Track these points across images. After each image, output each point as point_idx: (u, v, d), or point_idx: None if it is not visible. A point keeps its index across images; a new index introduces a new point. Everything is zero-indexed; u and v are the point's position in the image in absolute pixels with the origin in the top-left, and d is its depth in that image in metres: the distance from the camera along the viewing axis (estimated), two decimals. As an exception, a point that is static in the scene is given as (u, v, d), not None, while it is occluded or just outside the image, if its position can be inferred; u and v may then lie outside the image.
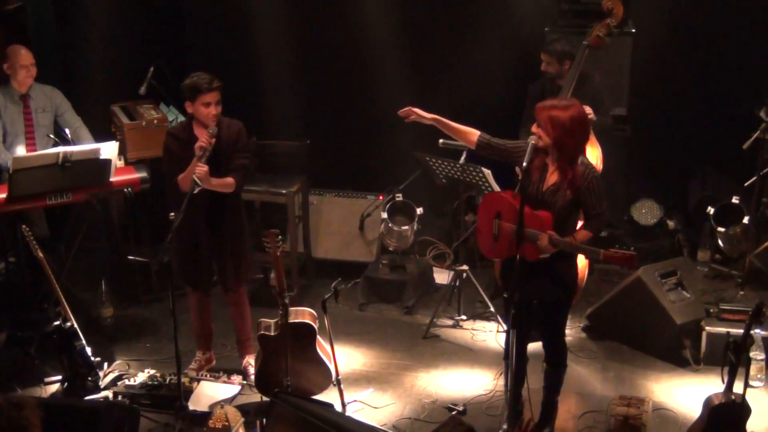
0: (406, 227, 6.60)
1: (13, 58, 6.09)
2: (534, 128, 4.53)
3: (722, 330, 5.54)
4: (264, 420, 4.75)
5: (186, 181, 5.08)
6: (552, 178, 4.55)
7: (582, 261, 5.84)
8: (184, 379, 5.26)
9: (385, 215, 6.63)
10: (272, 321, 5.13)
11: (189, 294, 5.59)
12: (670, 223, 7.10)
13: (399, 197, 6.70)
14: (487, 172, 5.93)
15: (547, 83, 6.34)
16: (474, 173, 5.96)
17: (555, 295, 4.66)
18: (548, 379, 4.94)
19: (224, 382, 5.45)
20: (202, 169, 5.04)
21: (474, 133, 4.73)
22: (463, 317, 6.26)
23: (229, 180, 5.23)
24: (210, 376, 5.49)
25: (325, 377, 5.19)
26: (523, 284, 4.49)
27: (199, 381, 5.42)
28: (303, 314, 5.17)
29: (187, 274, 5.45)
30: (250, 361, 5.54)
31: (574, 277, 4.72)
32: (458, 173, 6.06)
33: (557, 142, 4.46)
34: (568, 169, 4.49)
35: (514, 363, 4.63)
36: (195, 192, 4.99)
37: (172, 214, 6.13)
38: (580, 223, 4.66)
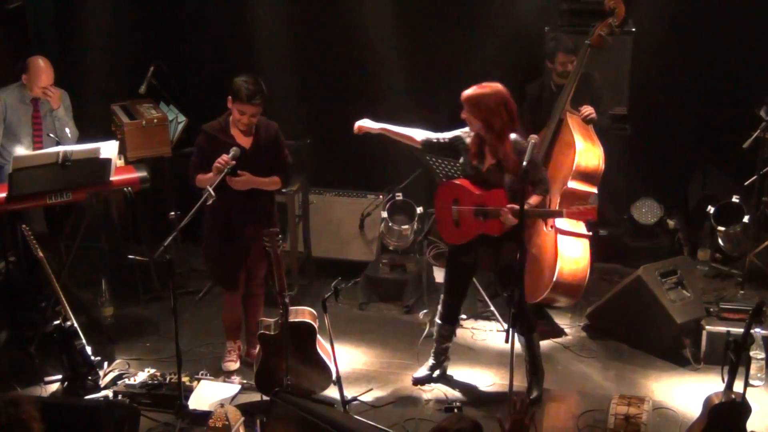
0: (406, 226, 6.59)
1: (32, 77, 6.02)
2: (462, 114, 4.92)
3: (722, 329, 5.54)
4: (264, 419, 4.75)
5: (203, 183, 5.15)
6: (489, 158, 4.96)
7: (584, 260, 5.87)
8: (185, 378, 5.27)
9: (385, 214, 6.62)
10: (272, 320, 5.13)
11: (223, 293, 5.65)
12: (671, 222, 7.09)
13: (399, 196, 6.70)
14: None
15: (546, 82, 6.35)
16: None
17: (509, 260, 4.98)
18: (525, 347, 5.26)
19: (224, 381, 5.44)
20: (242, 179, 5.21)
21: (418, 134, 5.19)
22: (463, 316, 6.25)
23: (276, 179, 5.40)
24: (210, 376, 5.48)
25: (325, 376, 5.19)
26: (483, 257, 5.08)
27: (199, 380, 5.42)
28: (303, 313, 5.17)
29: (222, 274, 5.54)
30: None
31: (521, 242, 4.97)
32: (458, 172, 6.05)
33: (485, 122, 4.87)
34: (500, 147, 4.90)
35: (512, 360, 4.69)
36: (208, 203, 5.03)
37: (172, 213, 6.16)
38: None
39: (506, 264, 5.03)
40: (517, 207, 4.76)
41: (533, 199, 4.98)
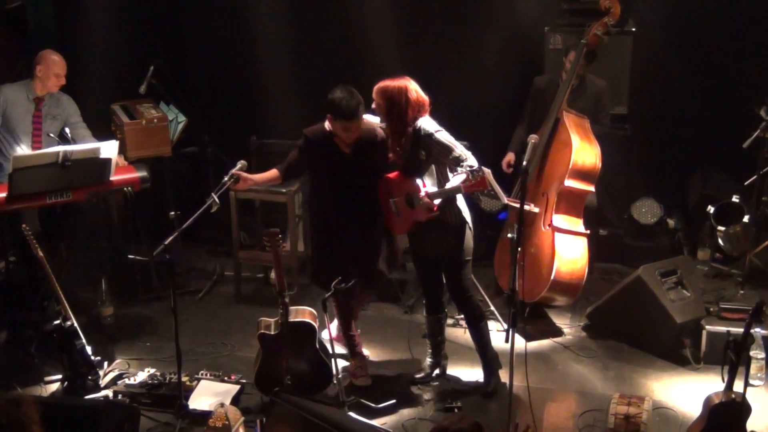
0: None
1: (49, 64, 6.03)
2: (373, 105, 5.09)
3: (722, 329, 5.54)
4: (264, 419, 4.75)
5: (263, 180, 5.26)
6: (404, 149, 5.05)
7: (582, 259, 5.87)
8: (185, 378, 5.27)
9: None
10: (272, 320, 5.13)
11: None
12: (671, 222, 7.10)
13: (399, 196, 6.69)
14: (487, 171, 5.90)
15: (553, 78, 6.35)
16: (474, 172, 5.95)
17: (448, 244, 5.15)
18: (474, 337, 5.39)
19: (224, 381, 5.44)
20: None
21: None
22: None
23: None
24: (210, 375, 5.48)
25: (325, 376, 5.18)
26: (424, 247, 5.22)
27: (199, 380, 5.42)
28: (303, 313, 5.17)
29: (328, 276, 5.19)
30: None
31: (456, 226, 5.13)
32: (458, 172, 6.06)
33: (388, 112, 4.99)
34: (401, 136, 5.01)
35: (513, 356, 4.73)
36: (212, 210, 4.98)
37: (172, 213, 6.16)
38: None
39: (439, 253, 5.19)
40: (430, 190, 4.95)
41: (459, 178, 4.90)
